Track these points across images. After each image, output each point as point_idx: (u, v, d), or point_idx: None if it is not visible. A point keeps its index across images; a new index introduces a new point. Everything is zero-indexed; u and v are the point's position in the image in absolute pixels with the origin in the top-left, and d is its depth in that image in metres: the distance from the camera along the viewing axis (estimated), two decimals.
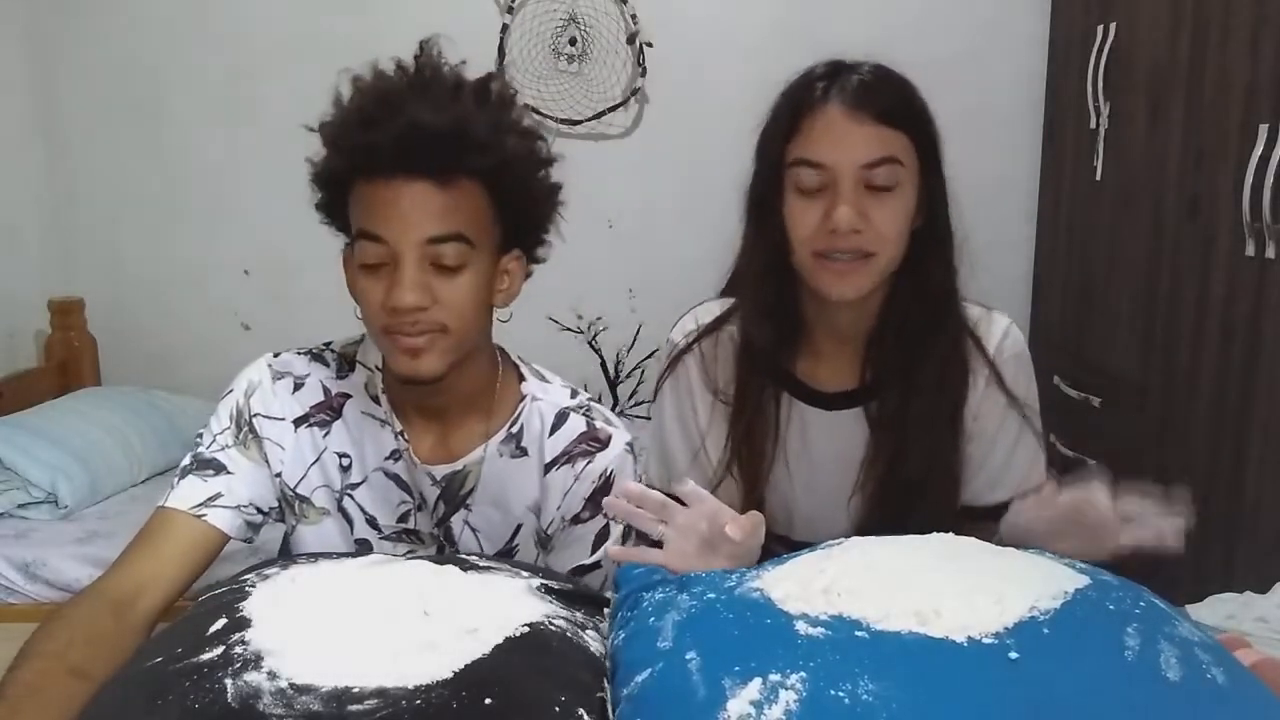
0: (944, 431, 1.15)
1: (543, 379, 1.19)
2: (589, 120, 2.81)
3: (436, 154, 0.98)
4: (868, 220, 1.05)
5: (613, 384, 2.94)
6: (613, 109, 2.82)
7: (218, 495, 1.07)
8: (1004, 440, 1.18)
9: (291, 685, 0.70)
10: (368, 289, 1.01)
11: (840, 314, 1.14)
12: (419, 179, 0.98)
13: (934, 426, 1.14)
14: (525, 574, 0.94)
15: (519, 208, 1.07)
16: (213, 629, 0.78)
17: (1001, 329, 1.18)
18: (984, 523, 1.19)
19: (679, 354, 1.22)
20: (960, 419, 1.16)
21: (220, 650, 0.74)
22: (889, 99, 1.07)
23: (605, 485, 1.14)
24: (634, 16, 2.77)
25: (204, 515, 1.06)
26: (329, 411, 1.14)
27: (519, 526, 1.16)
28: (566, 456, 1.14)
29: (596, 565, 1.15)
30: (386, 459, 1.14)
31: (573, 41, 2.80)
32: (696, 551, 0.99)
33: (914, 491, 1.14)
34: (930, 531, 0.94)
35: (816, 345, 1.18)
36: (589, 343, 2.94)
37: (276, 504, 1.14)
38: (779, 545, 1.23)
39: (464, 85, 1.03)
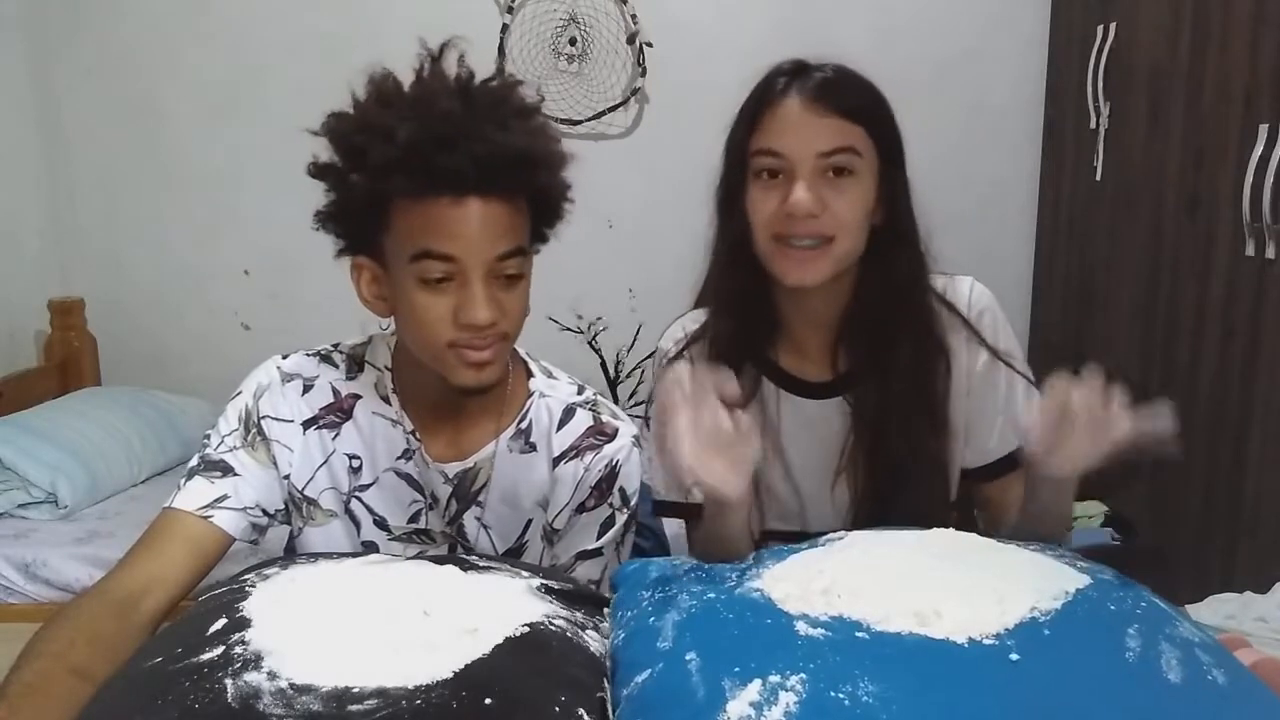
0: (921, 418, 1.18)
1: (550, 375, 1.20)
2: (589, 120, 2.81)
3: (514, 175, 1.00)
4: (825, 206, 1.09)
5: (613, 384, 2.95)
6: (613, 109, 2.82)
7: (224, 497, 1.08)
8: (999, 391, 1.21)
9: (291, 685, 0.70)
10: (430, 305, 1.01)
11: (807, 302, 1.18)
12: (487, 198, 0.99)
13: (911, 414, 1.17)
14: (525, 574, 0.94)
15: (550, 212, 1.10)
16: (213, 629, 0.78)
17: (967, 288, 1.22)
18: (1006, 476, 1.22)
19: (670, 361, 1.25)
20: (940, 405, 1.19)
21: (220, 650, 0.74)
22: (847, 95, 1.11)
23: (610, 474, 1.15)
24: (634, 16, 2.77)
25: (210, 517, 1.06)
26: (339, 413, 1.15)
27: (529, 522, 1.17)
28: (575, 451, 1.16)
29: (599, 551, 1.15)
30: (398, 459, 1.14)
31: (573, 41, 2.80)
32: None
33: (897, 478, 1.17)
34: (916, 518, 0.94)
35: (795, 336, 1.22)
36: (589, 343, 2.95)
37: (283, 506, 1.14)
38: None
39: (519, 101, 1.05)
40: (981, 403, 1.21)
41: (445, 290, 1.01)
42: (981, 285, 1.23)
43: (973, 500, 1.27)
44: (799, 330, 1.21)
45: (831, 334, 1.21)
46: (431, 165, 0.96)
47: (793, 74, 1.12)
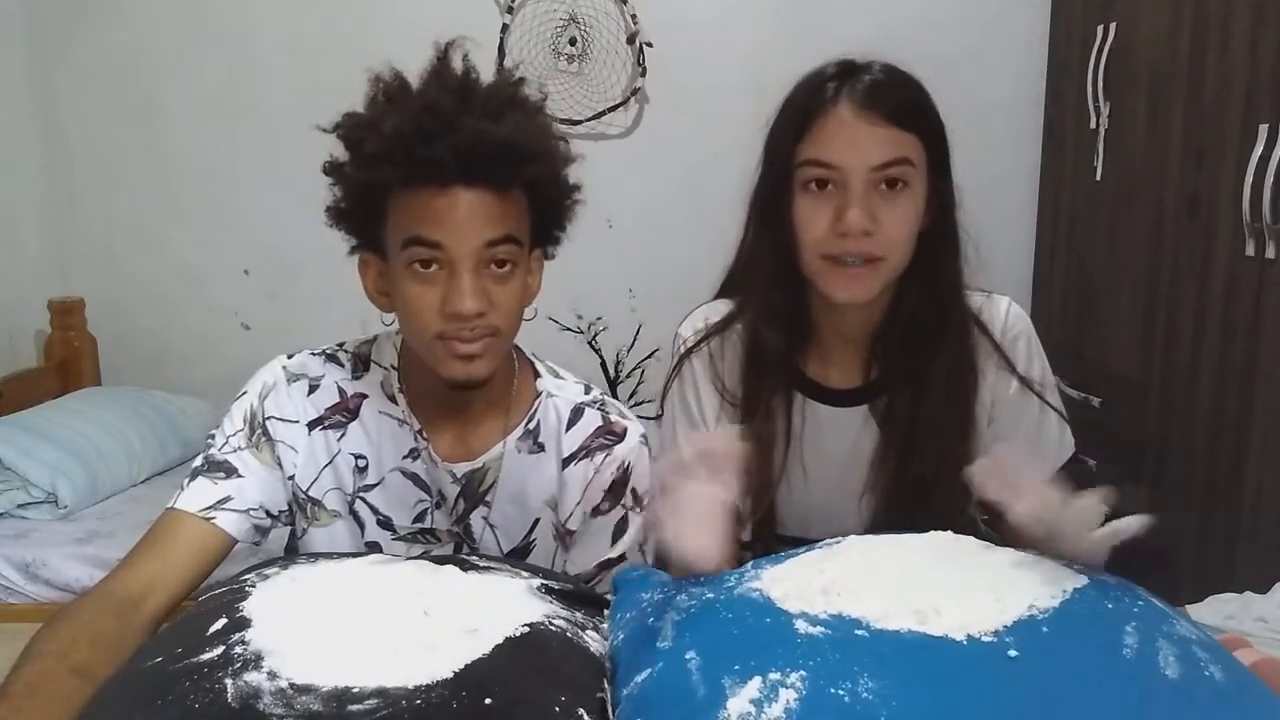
0: (953, 431, 1.14)
1: (557, 375, 1.21)
2: (589, 120, 2.81)
3: (498, 165, 1.00)
4: (877, 223, 1.05)
5: (613, 384, 2.95)
6: (613, 109, 2.82)
7: (227, 498, 1.07)
8: (1025, 422, 1.17)
9: (291, 685, 0.70)
10: (419, 295, 1.02)
11: (848, 315, 1.14)
12: (477, 187, 1.00)
13: (944, 426, 1.14)
14: (525, 574, 0.94)
15: (552, 209, 1.10)
16: (213, 629, 0.78)
17: (1003, 311, 1.18)
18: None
19: (687, 353, 1.22)
20: (970, 417, 1.15)
21: (220, 650, 0.74)
22: (900, 99, 1.07)
23: (624, 476, 1.16)
24: (634, 16, 2.77)
25: (212, 518, 1.06)
26: (345, 413, 1.15)
27: (536, 521, 1.17)
28: (585, 451, 1.16)
29: (621, 558, 1.15)
30: (405, 458, 1.14)
31: (573, 41, 2.80)
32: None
33: (924, 490, 1.14)
34: (942, 529, 0.92)
35: (824, 344, 1.19)
36: (589, 343, 2.95)
37: (287, 507, 1.14)
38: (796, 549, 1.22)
39: (512, 95, 1.05)
40: (1004, 431, 1.16)
41: (434, 280, 1.01)
42: (1019, 308, 1.19)
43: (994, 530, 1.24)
44: (829, 338, 1.18)
45: (864, 342, 1.17)
46: (414, 155, 0.98)
47: (841, 77, 1.08)
